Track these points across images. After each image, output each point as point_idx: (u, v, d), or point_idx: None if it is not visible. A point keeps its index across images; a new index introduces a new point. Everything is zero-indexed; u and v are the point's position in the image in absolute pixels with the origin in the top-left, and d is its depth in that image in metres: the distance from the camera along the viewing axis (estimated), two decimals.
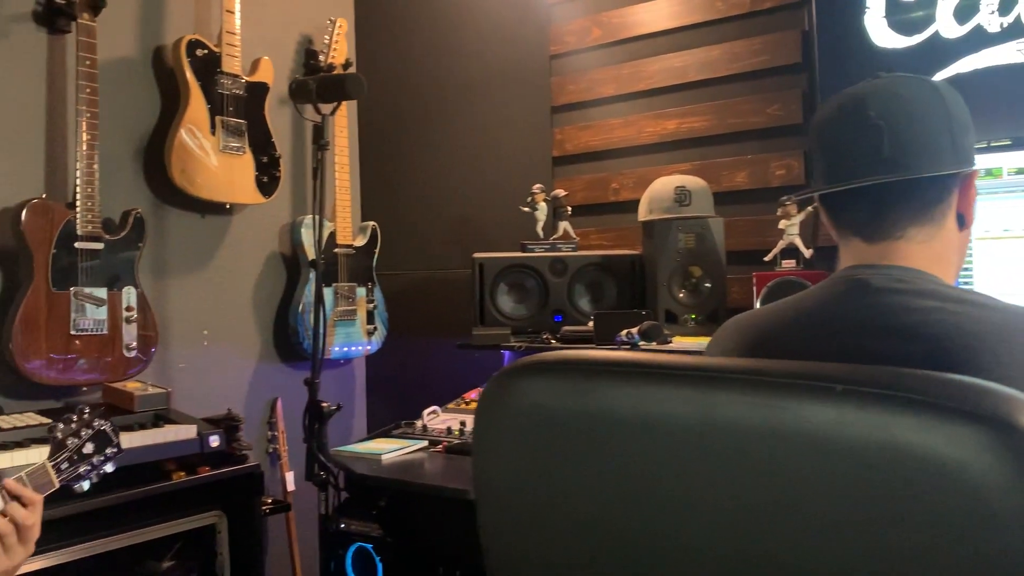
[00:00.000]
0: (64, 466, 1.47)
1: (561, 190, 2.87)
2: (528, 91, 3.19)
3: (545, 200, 2.84)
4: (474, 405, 2.62)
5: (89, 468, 1.50)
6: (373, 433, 2.58)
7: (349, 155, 3.16)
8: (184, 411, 2.36)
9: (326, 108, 2.27)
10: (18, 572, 1.41)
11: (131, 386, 2.32)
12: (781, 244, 2.48)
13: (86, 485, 1.51)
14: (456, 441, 2.37)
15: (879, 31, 2.39)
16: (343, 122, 3.09)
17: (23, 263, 2.28)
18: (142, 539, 2.12)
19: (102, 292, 2.38)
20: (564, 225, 2.83)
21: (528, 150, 3.18)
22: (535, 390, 0.90)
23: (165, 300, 2.64)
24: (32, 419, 2.13)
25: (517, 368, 0.93)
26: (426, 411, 2.58)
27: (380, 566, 2.57)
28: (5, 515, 1.34)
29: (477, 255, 2.75)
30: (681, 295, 2.53)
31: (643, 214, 2.63)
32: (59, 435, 1.49)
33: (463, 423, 2.45)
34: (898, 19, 2.36)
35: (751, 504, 0.72)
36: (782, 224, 2.47)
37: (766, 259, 2.49)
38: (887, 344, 1.04)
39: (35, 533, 1.38)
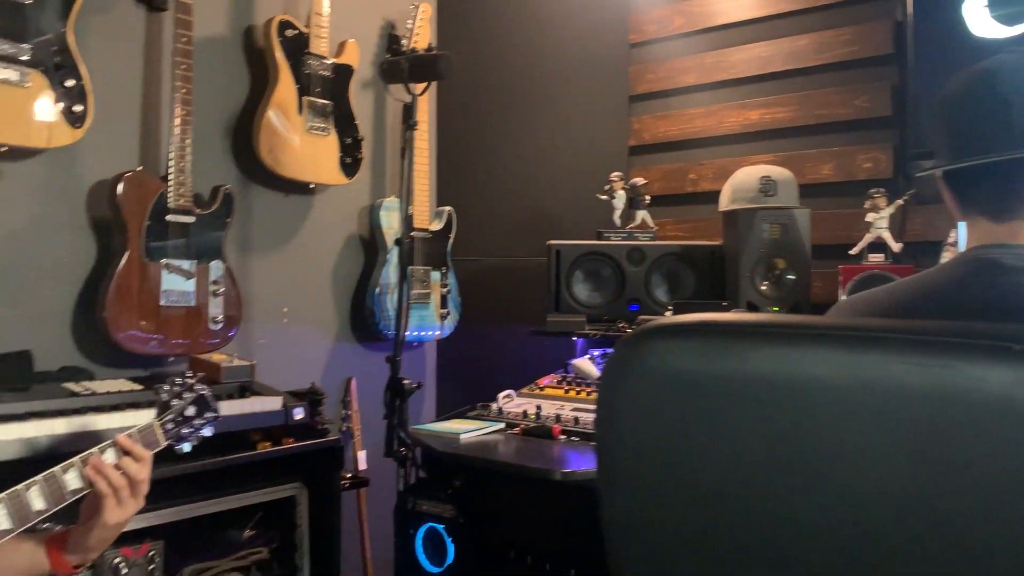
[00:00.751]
0: (169, 427, 1.50)
1: (640, 178, 2.85)
2: (606, 79, 3.17)
3: (623, 188, 2.82)
4: (548, 391, 2.64)
5: (191, 430, 1.54)
6: (447, 414, 2.60)
7: (428, 140, 3.18)
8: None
9: (416, 88, 2.29)
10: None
11: (217, 357, 2.36)
12: (868, 237, 2.43)
13: (187, 447, 1.55)
14: (533, 424, 2.37)
15: (980, 21, 2.33)
16: (423, 106, 3.11)
17: (118, 234, 2.34)
18: (226, 507, 2.15)
19: (191, 265, 2.43)
20: (642, 214, 2.82)
21: (604, 139, 3.17)
22: (671, 353, 0.89)
23: (248, 276, 2.69)
24: (124, 385, 2.18)
25: (650, 331, 0.92)
26: (501, 395, 2.58)
27: (451, 547, 2.58)
28: (119, 469, 1.38)
29: (553, 242, 2.75)
30: (764, 287, 2.49)
31: (725, 204, 2.60)
32: (164, 397, 1.52)
33: (539, 407, 2.46)
34: (1002, 11, 2.30)
35: (911, 469, 0.71)
36: (869, 217, 2.43)
37: (852, 252, 2.44)
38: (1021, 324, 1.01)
39: (145, 488, 1.42)
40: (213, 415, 1.57)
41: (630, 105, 3.12)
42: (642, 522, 0.94)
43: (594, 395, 2.44)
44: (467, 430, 2.35)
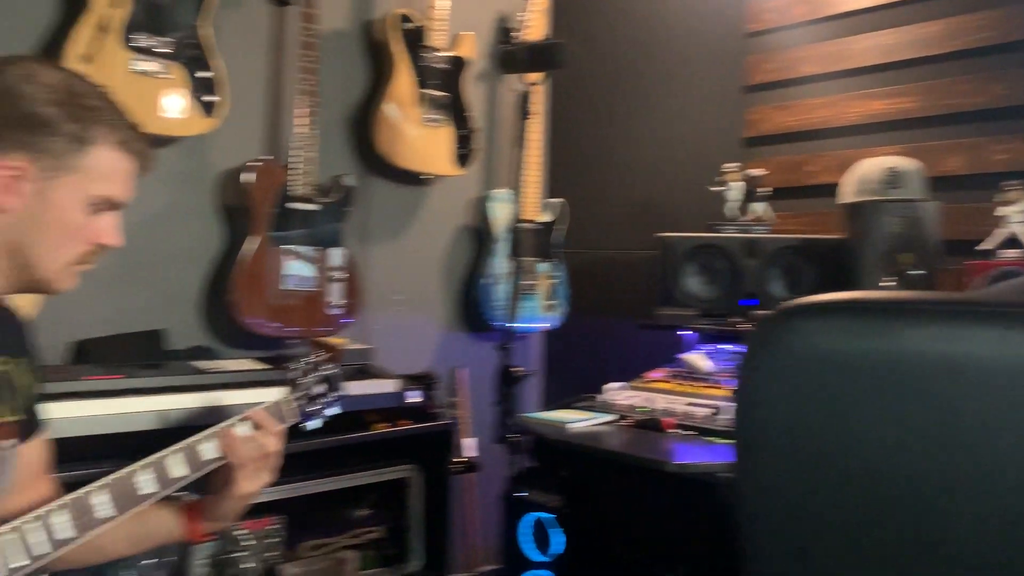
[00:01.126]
0: (300, 403, 1.55)
1: (759, 169, 2.79)
2: (721, 69, 3.12)
3: (738, 180, 2.76)
4: (657, 385, 2.61)
5: (318, 408, 1.58)
6: (555, 404, 2.60)
7: (540, 131, 3.19)
8: None
9: (532, 78, 2.30)
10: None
11: (335, 341, 2.43)
12: (1001, 232, 2.31)
13: (314, 424, 1.60)
14: (642, 416, 2.35)
15: None
16: (535, 97, 3.11)
17: (244, 220, 2.44)
18: (343, 485, 2.22)
19: (313, 251, 2.52)
20: (760, 206, 2.75)
21: (717, 130, 3.11)
22: (817, 332, 0.87)
23: (364, 264, 2.75)
24: (250, 364, 2.27)
25: (794, 309, 0.90)
26: (608, 386, 2.57)
27: (557, 538, 2.59)
28: (252, 442, 1.42)
29: (664, 234, 2.72)
30: (889, 283, 2.40)
31: (848, 196, 2.51)
32: (294, 375, 1.57)
33: (648, 400, 2.43)
34: None
35: None
36: (1001, 211, 2.30)
37: (981, 247, 2.33)
38: None
39: (276, 462, 1.45)
40: (340, 395, 1.61)
41: (745, 95, 3.06)
42: (787, 510, 0.91)
43: (706, 389, 2.40)
44: (576, 420, 2.35)
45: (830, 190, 2.64)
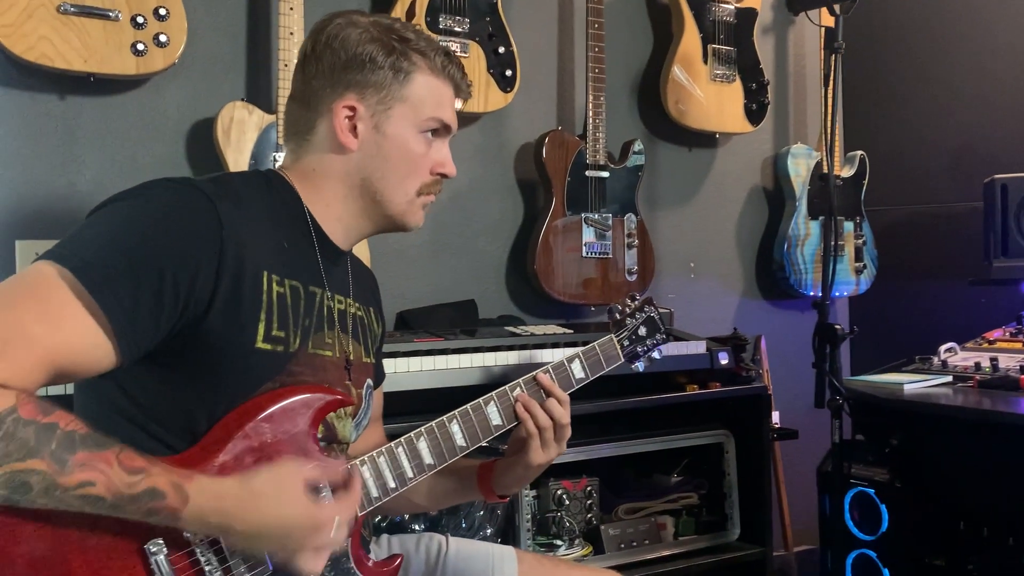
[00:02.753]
0: (625, 343, 1.52)
1: None
2: None
3: None
4: (1001, 344, 2.30)
5: (644, 349, 1.55)
6: (880, 368, 2.38)
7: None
8: None
9: (837, 8, 2.12)
10: None
11: None
12: None
13: (640, 366, 1.56)
14: (991, 376, 2.08)
15: None
16: (824, 42, 2.89)
17: (543, 191, 2.48)
18: (655, 447, 2.18)
19: (608, 219, 2.51)
20: None
21: None
22: None
23: (655, 231, 2.70)
24: (552, 329, 2.29)
25: None
26: (943, 347, 2.32)
27: (885, 515, 2.36)
28: (545, 410, 1.36)
29: (998, 176, 2.40)
30: None
31: None
32: (617, 316, 1.55)
33: (994, 360, 2.15)
34: None
35: None
36: None
37: None
38: None
39: (567, 433, 1.39)
40: (663, 337, 1.56)
41: None
42: None
43: None
44: (910, 381, 2.13)
45: None
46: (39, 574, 0.97)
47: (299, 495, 1.06)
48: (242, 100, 2.05)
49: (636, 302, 1.57)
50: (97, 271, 0.99)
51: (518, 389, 1.37)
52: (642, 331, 1.55)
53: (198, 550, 1.04)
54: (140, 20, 1.90)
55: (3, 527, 0.95)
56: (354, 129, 1.22)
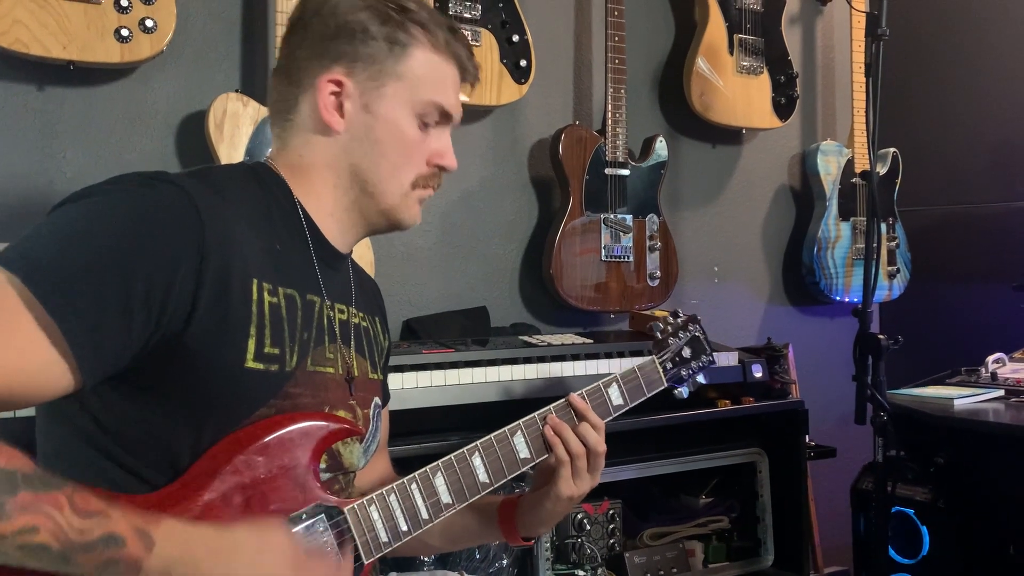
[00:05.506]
0: (668, 366, 1.36)
1: None
2: None
3: None
4: None
5: (689, 373, 1.39)
6: (922, 380, 2.23)
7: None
8: None
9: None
10: None
11: (660, 314, 2.23)
12: None
13: (685, 391, 1.40)
14: None
15: None
16: (858, 33, 2.74)
17: (559, 190, 2.33)
18: (682, 468, 2.02)
19: (628, 219, 2.35)
20: None
21: None
22: None
23: (677, 232, 2.54)
24: (570, 339, 2.13)
25: None
26: (991, 358, 2.16)
27: (926, 537, 2.21)
28: (578, 435, 1.21)
29: None
30: None
31: None
32: (659, 334, 1.39)
33: None
34: None
35: None
36: None
37: None
38: None
39: (602, 462, 1.23)
40: (708, 359, 1.40)
41: None
42: None
43: None
44: (960, 395, 1.97)
45: None
46: None
47: (283, 565, 0.90)
48: (236, 91, 1.88)
49: (679, 319, 1.42)
50: (51, 278, 0.83)
51: (550, 414, 1.21)
52: (686, 352, 1.39)
53: None
54: (124, 3, 1.74)
55: None
56: (340, 108, 1.06)
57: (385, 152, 1.08)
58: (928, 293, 2.88)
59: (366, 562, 1.04)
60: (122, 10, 1.74)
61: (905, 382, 2.40)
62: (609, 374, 1.30)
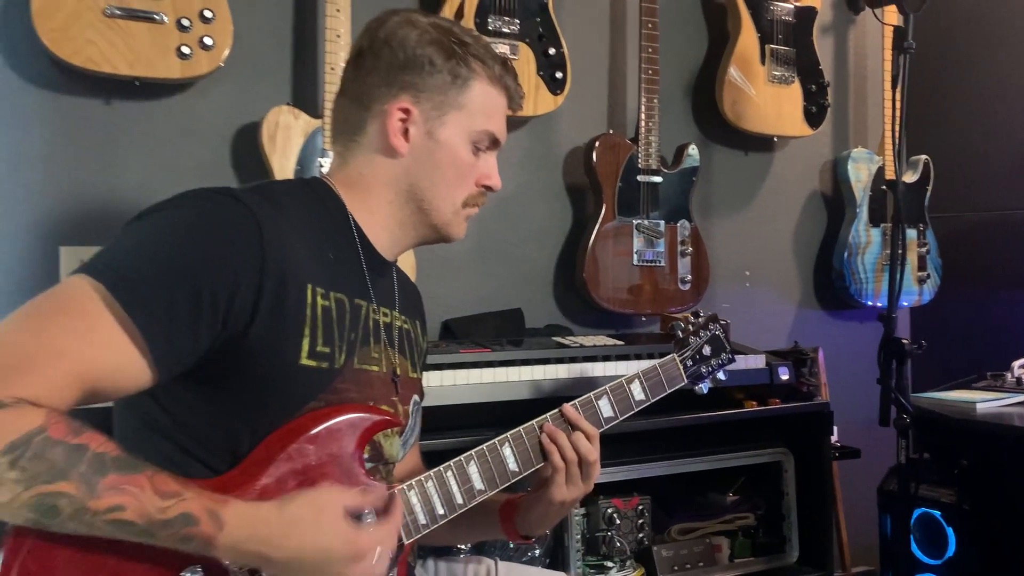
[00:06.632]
0: (688, 363, 1.44)
1: None
2: None
3: None
4: None
5: (709, 370, 1.46)
6: (948, 384, 2.27)
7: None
8: None
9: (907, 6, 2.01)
10: None
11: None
12: None
13: (704, 387, 1.47)
14: None
15: None
16: (890, 42, 2.77)
17: (592, 196, 2.41)
18: (710, 466, 2.08)
19: (660, 225, 2.42)
20: None
21: None
22: None
23: (709, 237, 2.60)
24: (602, 340, 2.21)
25: None
26: (1016, 363, 2.20)
27: (952, 538, 2.25)
28: (572, 443, 1.29)
29: None
30: None
31: None
32: (680, 333, 1.47)
33: None
34: None
35: None
36: None
37: None
38: None
39: (597, 470, 1.31)
40: (729, 357, 1.48)
41: None
42: None
43: None
44: (983, 399, 2.02)
45: None
46: None
47: (338, 522, 1.00)
48: (288, 104, 2.00)
49: (701, 319, 1.49)
50: (131, 285, 0.94)
51: (546, 422, 1.31)
52: (707, 350, 1.46)
53: None
54: (185, 23, 1.86)
55: (36, 553, 0.91)
56: (406, 132, 1.17)
57: (443, 175, 1.20)
58: (958, 298, 2.91)
59: (406, 542, 1.14)
60: (183, 29, 1.86)
61: (933, 386, 2.44)
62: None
